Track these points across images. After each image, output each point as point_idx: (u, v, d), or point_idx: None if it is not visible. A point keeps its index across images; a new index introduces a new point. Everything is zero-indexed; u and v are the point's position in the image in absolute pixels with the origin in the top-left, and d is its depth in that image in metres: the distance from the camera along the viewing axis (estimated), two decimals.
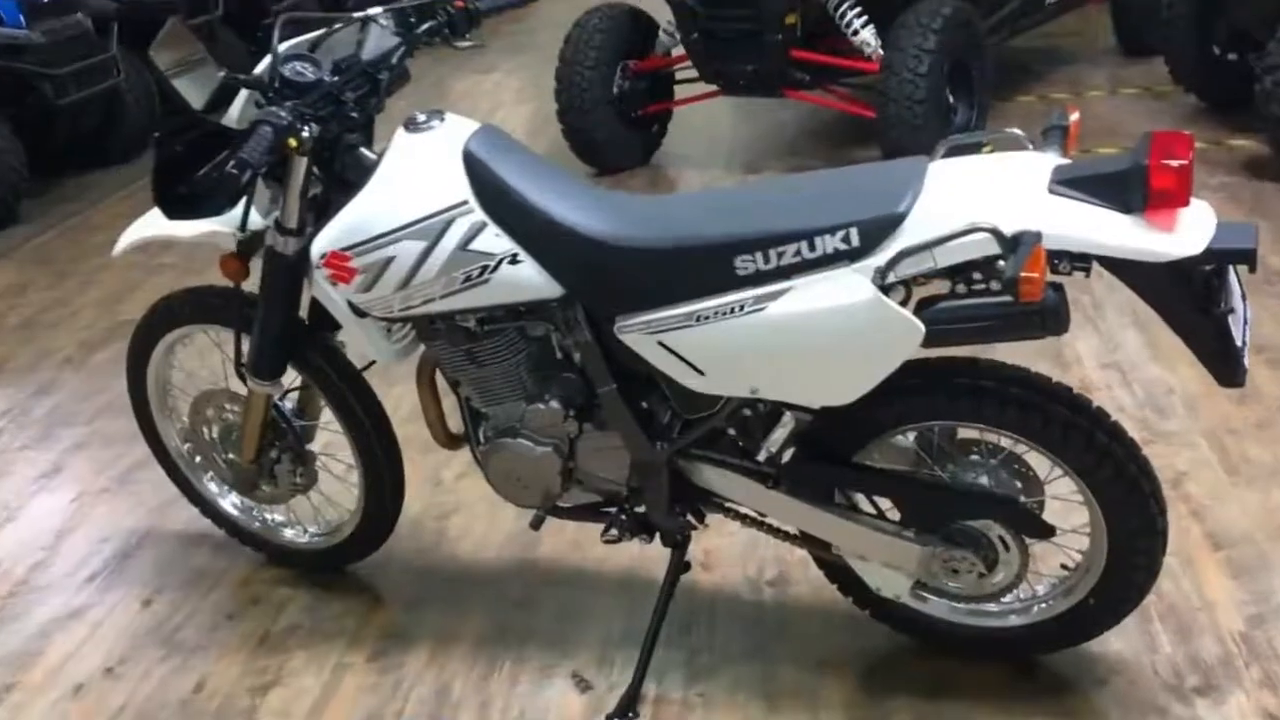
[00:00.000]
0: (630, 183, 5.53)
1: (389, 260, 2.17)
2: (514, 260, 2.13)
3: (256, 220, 2.36)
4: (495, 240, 2.13)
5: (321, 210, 2.31)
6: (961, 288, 1.91)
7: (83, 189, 6.33)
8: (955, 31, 4.94)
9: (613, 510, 2.38)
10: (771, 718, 2.30)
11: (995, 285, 1.86)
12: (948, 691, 2.31)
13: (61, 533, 3.15)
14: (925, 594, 2.32)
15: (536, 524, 2.43)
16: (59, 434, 3.68)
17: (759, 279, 1.97)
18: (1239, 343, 1.89)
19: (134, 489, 3.31)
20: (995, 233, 1.82)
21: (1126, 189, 1.82)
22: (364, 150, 2.30)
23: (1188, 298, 1.88)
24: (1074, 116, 2.08)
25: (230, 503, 2.92)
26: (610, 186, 5.33)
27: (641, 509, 2.36)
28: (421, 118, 2.21)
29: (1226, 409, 3.15)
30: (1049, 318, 1.85)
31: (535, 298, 2.17)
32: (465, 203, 2.13)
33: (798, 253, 1.94)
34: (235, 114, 2.33)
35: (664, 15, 5.51)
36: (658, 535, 2.40)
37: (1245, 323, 1.94)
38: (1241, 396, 3.15)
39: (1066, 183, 1.88)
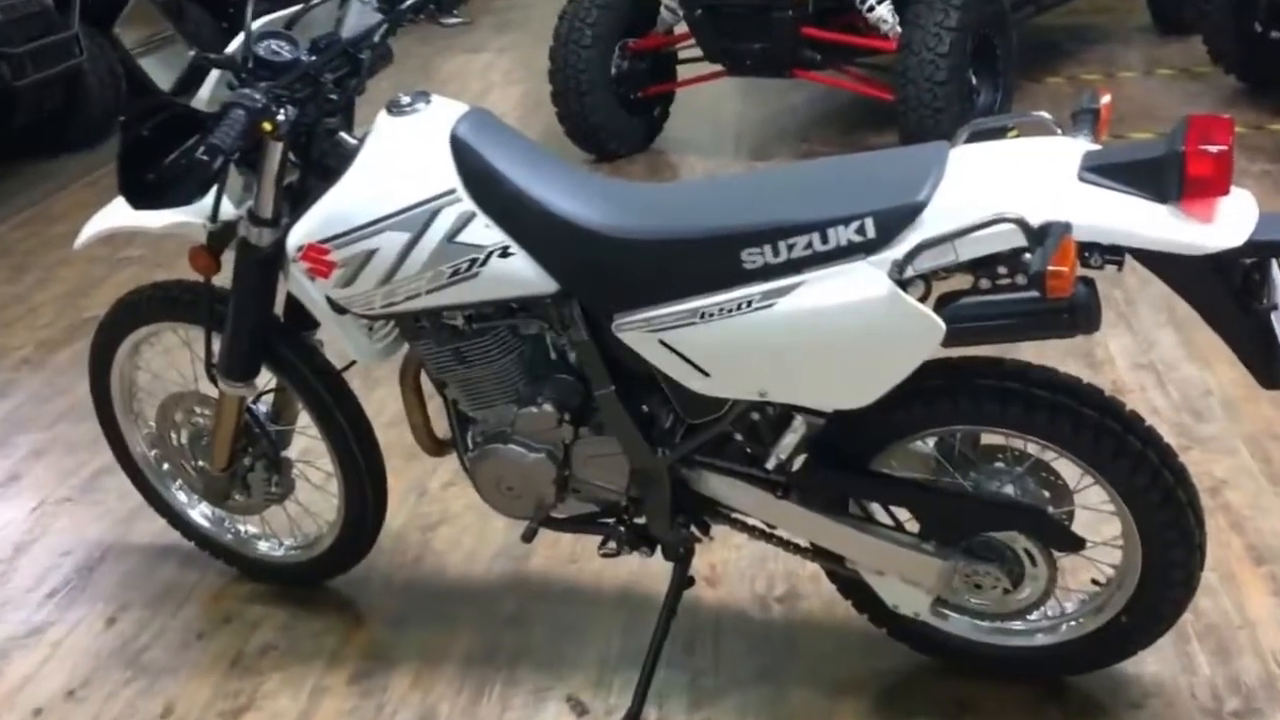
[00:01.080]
0: (630, 170, 5.54)
1: (371, 253, 2.17)
2: (505, 253, 2.13)
3: (228, 210, 2.36)
4: (485, 232, 2.13)
5: (298, 199, 2.31)
6: (985, 283, 1.91)
7: (42, 176, 6.34)
8: (979, 8, 4.94)
9: (611, 521, 2.39)
10: None
11: (1021, 280, 1.86)
12: (970, 715, 2.31)
13: (20, 545, 3.16)
14: (946, 611, 2.32)
15: (529, 536, 2.42)
16: (16, 440, 3.69)
17: (767, 273, 1.97)
18: None
19: (97, 498, 3.32)
20: (1021, 224, 1.82)
21: (1162, 177, 1.82)
22: (344, 135, 2.31)
23: (1227, 293, 1.88)
24: (1105, 99, 2.08)
25: (200, 513, 2.92)
26: (608, 174, 5.33)
27: (641, 520, 2.36)
28: (405, 100, 2.21)
29: (1269, 413, 3.15)
30: (1079, 315, 1.85)
31: (528, 293, 2.17)
32: (452, 191, 2.13)
33: (809, 245, 1.94)
34: (206, 96, 2.33)
35: None
36: (659, 548, 2.40)
37: None
38: None
39: (1097, 170, 1.88)
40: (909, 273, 1.90)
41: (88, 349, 2.85)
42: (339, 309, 2.31)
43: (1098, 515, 2.18)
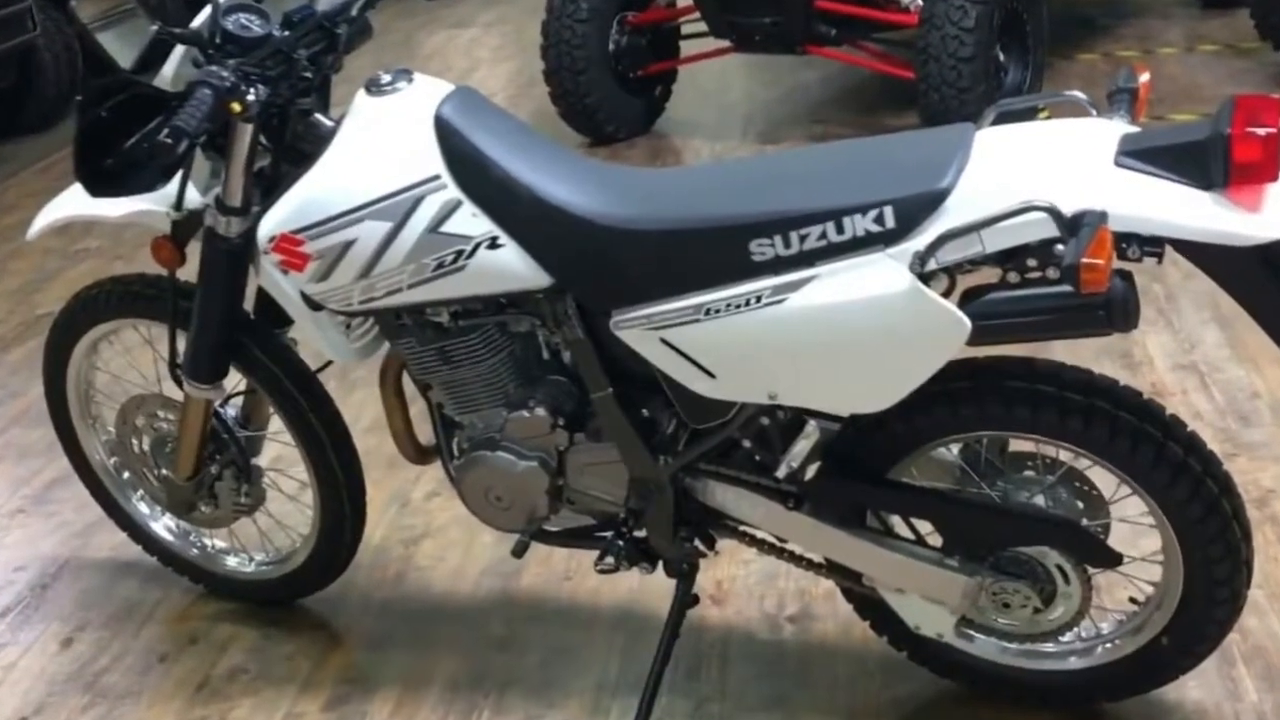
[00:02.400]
0: (629, 154, 5.54)
1: (348, 244, 2.17)
2: (494, 244, 2.13)
3: (194, 198, 2.36)
4: (472, 221, 2.13)
5: (270, 186, 2.31)
6: (1014, 276, 1.91)
7: None
8: None
9: (608, 535, 2.38)
10: None
11: (1053, 273, 1.86)
12: None
13: None
14: (972, 632, 2.32)
15: (520, 551, 2.43)
16: None
17: (778, 266, 1.98)
18: None
19: (52, 510, 3.32)
20: (1053, 212, 1.82)
21: (1205, 161, 1.82)
22: (319, 116, 2.31)
23: (1277, 287, 1.88)
24: (1144, 77, 2.08)
25: (164, 526, 2.92)
26: (606, 158, 5.33)
27: (642, 533, 2.36)
28: (386, 78, 2.21)
29: None
30: (1115, 311, 1.85)
31: (518, 288, 2.17)
32: (437, 177, 2.13)
33: (823, 235, 1.94)
34: (169, 74, 2.33)
35: None
36: (660, 564, 2.40)
37: None
38: None
39: (1135, 154, 1.88)
40: (931, 265, 1.90)
41: (41, 348, 2.85)
42: (314, 305, 2.31)
43: (1136, 528, 2.18)
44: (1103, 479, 2.14)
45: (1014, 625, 2.26)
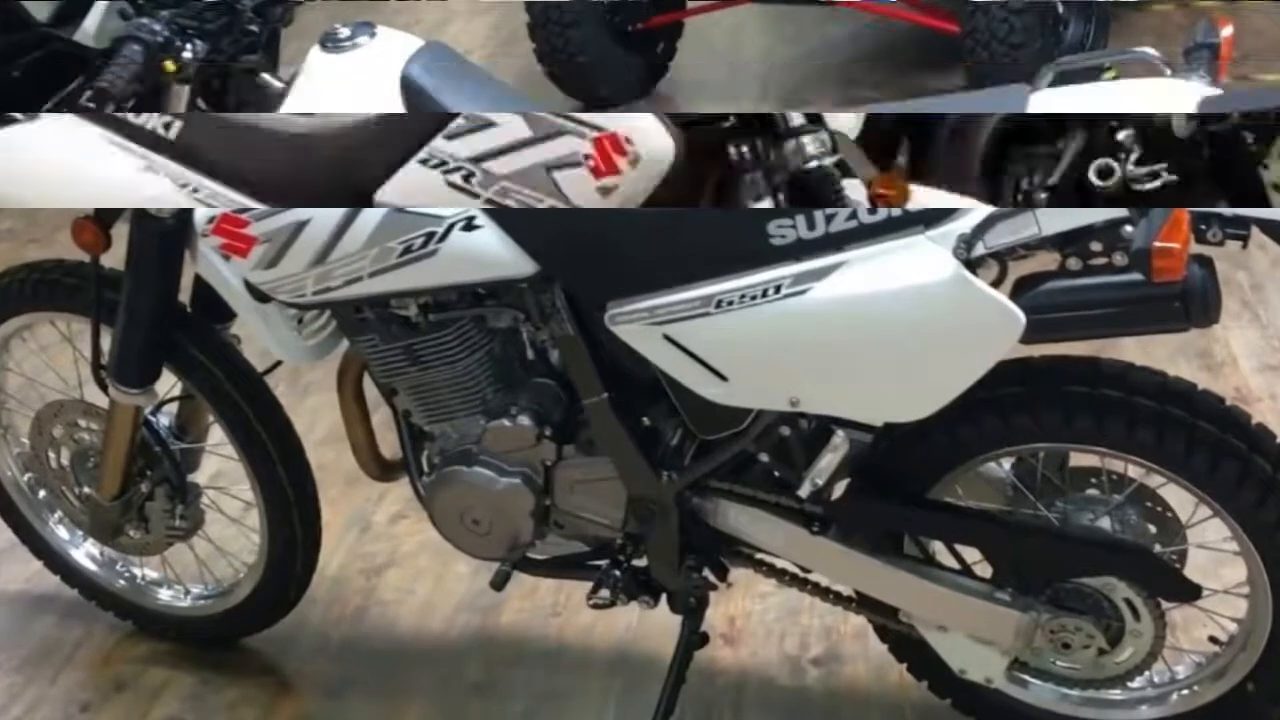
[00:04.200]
0: None
1: (300, 225, 2.17)
2: (469, 225, 2.13)
3: None
4: None
5: None
6: (1074, 262, 1.91)
7: None
8: None
9: (603, 564, 2.38)
10: None
11: (1120, 259, 1.86)
12: None
13: None
14: (1026, 677, 2.33)
15: (500, 582, 2.43)
16: None
17: (801, 251, 1.97)
18: None
19: None
20: None
21: None
22: (266, 76, 2.31)
23: None
24: (1226, 31, 2.08)
25: (86, 553, 2.92)
26: None
27: (642, 562, 2.37)
28: (344, 33, 2.21)
29: None
30: (1192, 303, 1.85)
31: (498, 276, 2.17)
32: None
33: (853, 215, 1.94)
34: (92, 28, 2.33)
35: None
36: (664, 597, 2.40)
37: None
38: None
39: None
40: (979, 250, 1.90)
41: None
42: (260, 296, 2.31)
43: (1217, 556, 2.19)
44: (1178, 499, 2.14)
45: (1075, 669, 2.26)
